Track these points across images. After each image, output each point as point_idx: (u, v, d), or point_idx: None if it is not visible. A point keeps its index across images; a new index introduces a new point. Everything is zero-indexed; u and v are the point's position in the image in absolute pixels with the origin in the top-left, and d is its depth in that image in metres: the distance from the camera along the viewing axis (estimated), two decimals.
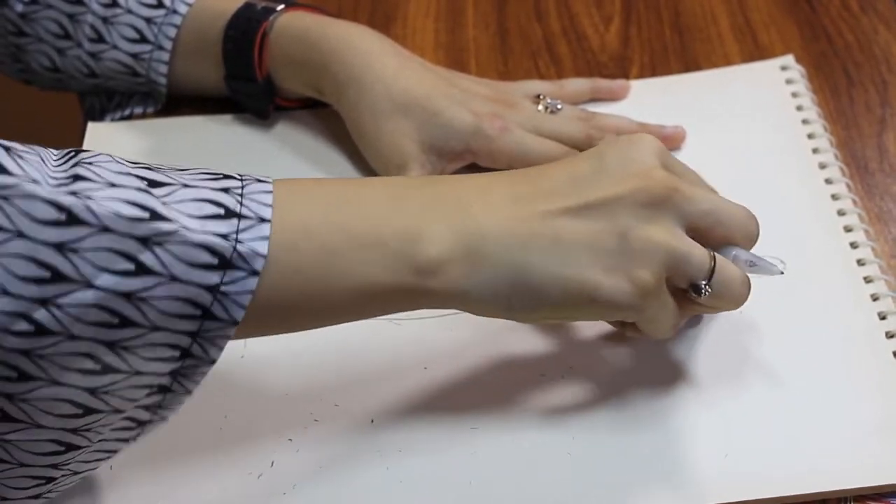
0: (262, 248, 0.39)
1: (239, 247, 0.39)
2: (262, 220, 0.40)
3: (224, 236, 0.39)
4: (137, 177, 0.40)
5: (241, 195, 0.40)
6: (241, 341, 0.51)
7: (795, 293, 0.52)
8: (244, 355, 0.51)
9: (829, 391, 0.49)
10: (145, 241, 0.38)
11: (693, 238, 0.45)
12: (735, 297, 0.46)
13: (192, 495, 0.46)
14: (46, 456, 0.40)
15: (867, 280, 0.53)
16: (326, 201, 0.42)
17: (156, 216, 0.38)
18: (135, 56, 0.61)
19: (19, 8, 0.62)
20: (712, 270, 0.45)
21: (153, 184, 0.40)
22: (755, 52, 0.66)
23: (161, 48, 0.61)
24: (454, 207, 0.43)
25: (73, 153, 0.40)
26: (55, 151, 0.41)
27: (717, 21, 0.68)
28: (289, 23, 0.60)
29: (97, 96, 0.65)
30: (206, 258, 0.39)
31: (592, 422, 0.48)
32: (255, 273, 0.39)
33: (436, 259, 0.42)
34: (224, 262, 0.39)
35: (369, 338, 0.51)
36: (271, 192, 0.41)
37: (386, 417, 0.48)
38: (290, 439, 0.48)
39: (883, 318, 0.51)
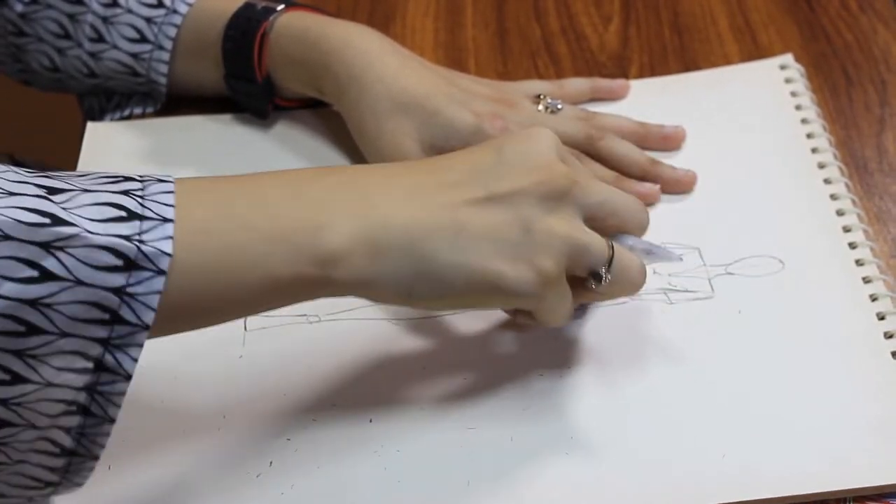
0: (167, 246, 0.39)
1: (143, 247, 0.39)
2: (165, 220, 0.40)
3: (127, 237, 0.39)
4: (36, 185, 0.39)
5: (143, 197, 0.40)
6: (239, 341, 0.52)
7: (794, 293, 0.52)
8: (242, 355, 0.51)
9: (828, 391, 0.48)
10: (47, 247, 0.38)
11: (593, 225, 0.46)
12: (632, 283, 0.47)
13: (191, 495, 0.46)
14: None
15: (866, 280, 0.53)
16: (228, 198, 0.42)
17: (57, 221, 0.38)
18: (135, 56, 0.61)
19: (19, 8, 0.62)
20: (611, 259, 0.46)
21: (52, 191, 0.39)
22: (754, 51, 0.66)
23: (161, 48, 0.61)
24: (356, 197, 0.43)
25: None
26: None
27: (717, 21, 0.68)
28: (289, 22, 0.60)
29: (96, 97, 0.65)
30: (111, 260, 0.38)
31: (591, 423, 0.48)
32: (161, 272, 0.39)
33: (337, 250, 0.42)
34: (129, 263, 0.39)
35: (367, 338, 0.51)
36: (172, 191, 0.41)
37: (384, 417, 0.48)
38: (289, 439, 0.48)
39: (881, 318, 0.51)
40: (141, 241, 0.39)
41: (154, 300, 0.39)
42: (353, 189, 0.44)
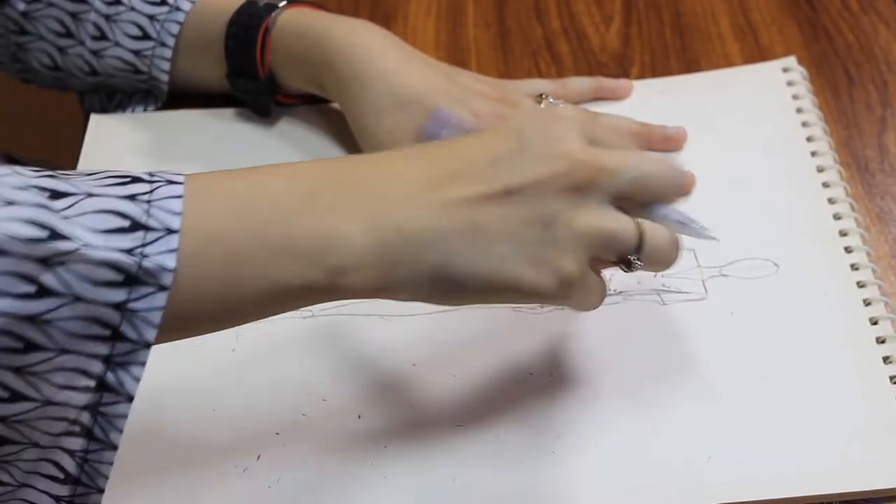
0: (170, 261, 0.38)
1: (145, 262, 0.38)
2: (170, 231, 0.38)
3: (129, 251, 0.37)
4: (39, 188, 0.38)
5: (149, 202, 0.39)
6: (232, 333, 0.52)
7: (787, 296, 0.52)
8: (235, 349, 0.52)
9: (819, 395, 0.48)
10: (45, 262, 0.36)
11: (622, 203, 0.44)
12: (665, 261, 0.45)
13: (178, 488, 0.46)
14: None
15: (860, 285, 0.52)
16: (238, 203, 0.41)
17: (55, 235, 0.37)
18: (137, 53, 0.62)
19: (21, 6, 0.63)
20: (641, 242, 0.44)
21: (55, 195, 0.38)
22: (755, 52, 0.65)
23: (164, 45, 0.62)
24: (368, 200, 0.42)
25: None
26: None
27: (718, 21, 0.68)
28: (291, 19, 0.60)
29: (98, 95, 0.66)
30: (111, 275, 0.37)
31: (578, 421, 0.48)
32: (163, 288, 0.38)
33: (349, 261, 0.41)
34: (130, 279, 0.37)
35: (358, 334, 0.52)
36: (181, 196, 0.39)
37: (373, 413, 0.49)
38: (277, 433, 0.48)
39: (874, 322, 0.51)
40: (143, 255, 0.38)
41: (156, 316, 0.38)
42: (365, 189, 0.42)
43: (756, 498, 0.45)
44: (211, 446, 0.48)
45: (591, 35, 0.68)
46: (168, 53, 0.62)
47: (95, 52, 0.62)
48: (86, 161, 0.62)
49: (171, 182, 0.40)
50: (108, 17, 0.62)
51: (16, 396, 0.38)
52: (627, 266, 0.44)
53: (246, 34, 0.60)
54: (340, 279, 0.41)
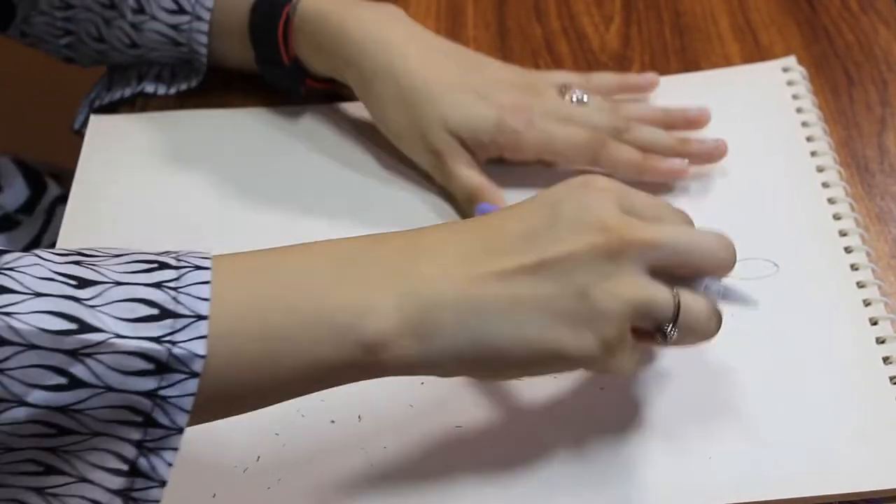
0: (200, 348, 0.38)
1: (175, 350, 0.37)
2: (200, 317, 0.38)
3: (158, 339, 0.37)
4: (65, 276, 0.38)
5: (176, 290, 0.38)
6: None
7: (787, 297, 0.52)
8: None
9: (819, 396, 0.48)
10: (75, 354, 0.37)
11: (661, 274, 0.44)
12: (703, 333, 0.45)
13: (177, 488, 0.46)
14: None
15: (860, 285, 0.52)
16: (268, 279, 0.41)
17: (84, 327, 0.37)
18: (174, 27, 0.62)
19: None
20: (678, 312, 0.43)
21: (82, 283, 0.38)
22: (755, 52, 0.65)
23: (199, 18, 0.62)
24: (401, 273, 0.41)
25: None
26: None
27: (717, 21, 0.68)
28: (310, 7, 0.60)
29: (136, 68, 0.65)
30: (142, 364, 0.37)
31: (577, 421, 0.48)
32: (194, 375, 0.38)
33: (384, 334, 0.40)
34: (160, 367, 0.37)
35: None
36: (209, 281, 0.39)
37: (372, 414, 0.49)
38: (277, 434, 0.48)
39: (874, 323, 0.51)
40: (172, 343, 0.37)
41: (188, 402, 0.38)
42: (398, 262, 0.42)
43: (756, 498, 0.45)
44: (210, 447, 0.48)
45: (590, 35, 0.68)
46: (204, 27, 0.62)
47: (135, 25, 0.62)
48: (86, 160, 0.62)
49: (198, 267, 0.39)
50: None
51: (50, 470, 0.38)
52: (663, 337, 0.44)
53: (268, 24, 0.60)
54: (378, 353, 0.41)
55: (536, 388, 0.49)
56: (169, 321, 0.38)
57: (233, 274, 0.40)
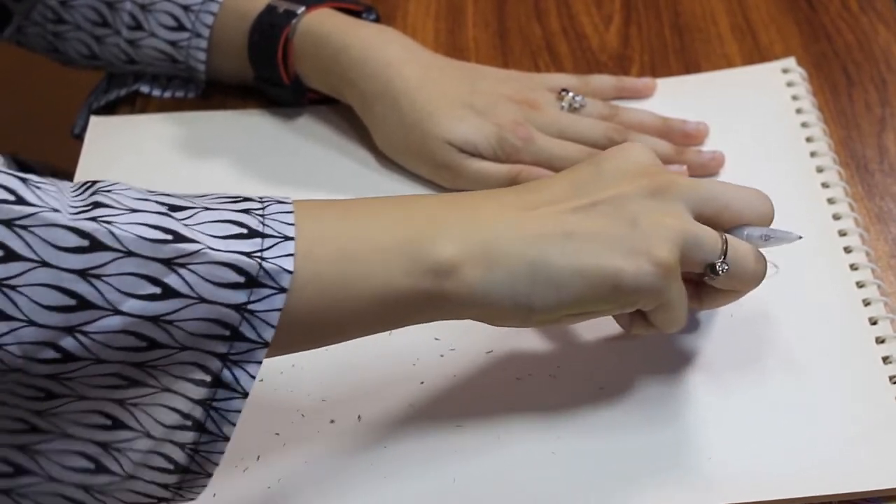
0: (289, 264, 0.40)
1: (265, 264, 0.39)
2: (286, 237, 0.40)
3: (248, 254, 0.39)
4: (157, 202, 0.40)
5: (263, 216, 0.41)
6: None
7: (787, 297, 0.52)
8: None
9: (818, 396, 0.48)
10: (170, 263, 0.38)
11: (705, 222, 0.46)
12: (751, 273, 0.46)
13: None
14: (77, 472, 0.40)
15: (859, 285, 0.52)
16: (343, 214, 0.43)
17: (179, 238, 0.39)
18: (173, 44, 0.62)
19: None
20: (725, 250, 0.45)
21: (173, 208, 0.40)
22: (755, 51, 0.65)
23: (199, 35, 0.62)
24: (464, 212, 0.44)
25: (90, 183, 0.41)
26: (71, 183, 0.41)
27: (717, 21, 0.68)
28: (310, 28, 0.60)
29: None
30: (233, 276, 0.39)
31: (578, 422, 0.48)
32: (282, 290, 0.39)
33: (451, 259, 0.42)
34: (250, 280, 0.39)
35: None
36: (292, 211, 0.41)
37: (372, 414, 0.49)
38: (277, 433, 0.48)
39: (874, 323, 0.51)
40: (262, 259, 0.39)
41: (275, 317, 0.39)
42: (460, 205, 0.45)
43: (756, 498, 0.45)
44: None
45: (590, 35, 0.68)
46: (203, 44, 0.62)
47: (132, 42, 0.63)
48: (86, 161, 0.62)
49: (279, 202, 0.42)
50: (142, 7, 0.62)
51: (134, 384, 0.39)
52: (713, 272, 0.45)
53: (267, 44, 0.61)
54: (444, 282, 0.42)
55: (537, 388, 0.49)
56: (258, 240, 0.40)
57: (311, 209, 0.42)
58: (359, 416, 0.49)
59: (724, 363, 0.50)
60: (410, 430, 0.48)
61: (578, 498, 0.46)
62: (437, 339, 0.51)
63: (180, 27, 0.62)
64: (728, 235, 0.46)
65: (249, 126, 0.64)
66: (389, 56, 0.59)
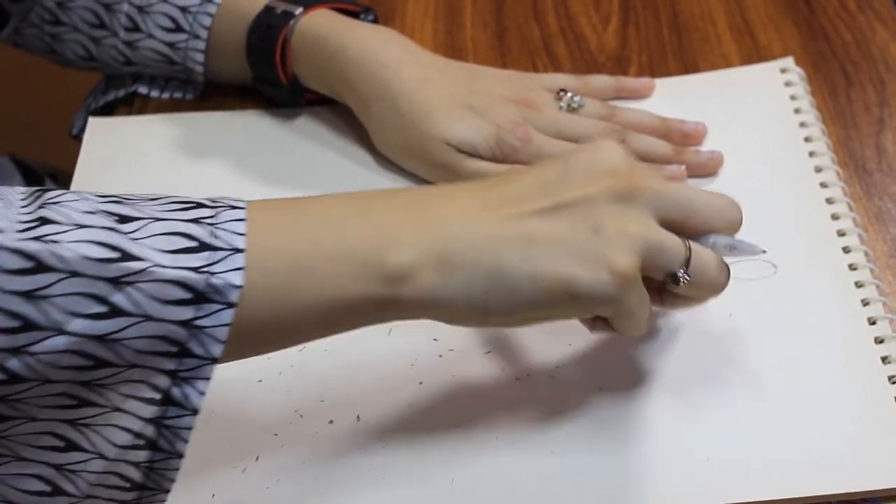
0: (237, 279, 0.39)
1: (212, 279, 0.39)
2: (236, 250, 0.39)
3: (196, 269, 0.38)
4: (106, 213, 0.39)
5: (213, 225, 0.40)
6: None
7: (785, 297, 0.52)
8: None
9: (817, 396, 0.48)
10: (116, 282, 0.38)
11: (669, 230, 0.45)
12: (712, 283, 0.46)
13: (176, 489, 0.46)
14: (33, 496, 0.40)
15: (858, 285, 0.52)
16: (297, 219, 0.42)
17: (126, 256, 0.38)
18: (171, 45, 0.62)
19: None
20: (688, 259, 0.45)
21: (123, 219, 0.39)
22: (753, 52, 0.65)
23: (196, 37, 0.62)
24: (422, 213, 0.43)
25: (39, 193, 0.40)
26: (22, 190, 0.40)
27: (715, 21, 0.68)
28: (307, 29, 0.60)
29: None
30: (180, 293, 0.38)
31: (577, 422, 0.48)
32: (230, 305, 0.39)
33: (405, 266, 0.42)
34: (198, 296, 0.38)
35: (356, 334, 0.51)
36: (244, 219, 0.40)
37: (371, 414, 0.49)
38: (276, 434, 0.48)
39: (873, 323, 0.51)
40: (210, 273, 0.39)
41: (223, 333, 0.39)
42: (418, 207, 0.44)
43: (756, 498, 0.45)
44: (209, 448, 0.48)
45: (588, 36, 0.68)
46: (201, 46, 0.62)
47: (129, 44, 0.63)
48: (84, 162, 0.62)
49: (232, 207, 0.41)
50: (140, 9, 0.62)
51: (83, 403, 0.39)
52: (674, 281, 0.45)
53: (265, 45, 0.61)
54: (398, 288, 0.42)
55: (536, 388, 0.49)
56: (207, 253, 0.39)
57: (263, 214, 0.42)
58: (357, 417, 0.49)
59: (723, 363, 0.50)
60: (409, 431, 0.48)
61: (577, 498, 0.45)
62: (435, 339, 0.51)
63: (178, 28, 0.62)
64: (692, 243, 0.45)
65: (247, 127, 0.64)
66: (387, 56, 0.59)
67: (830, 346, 0.50)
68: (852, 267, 0.53)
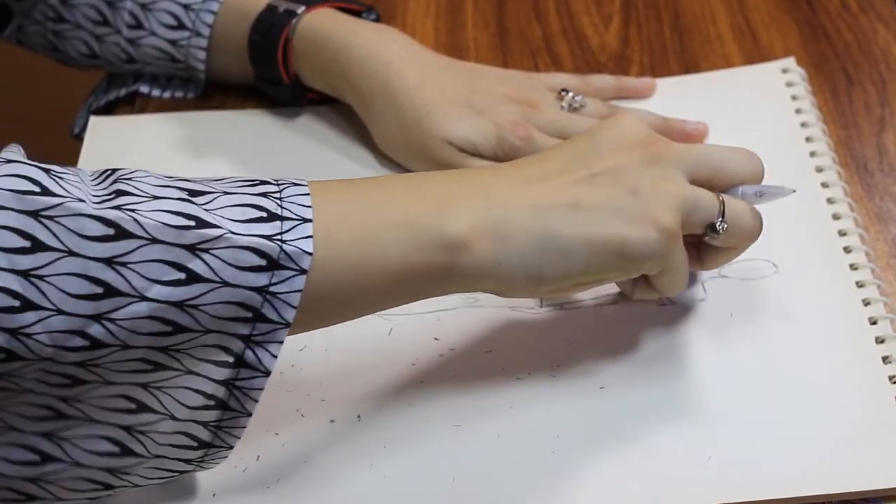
0: (308, 246, 0.41)
1: (285, 246, 0.40)
2: (305, 220, 0.41)
3: (269, 237, 0.40)
4: (177, 188, 0.41)
5: (280, 199, 0.42)
6: None
7: (786, 297, 0.52)
8: None
9: (817, 395, 0.48)
10: (193, 249, 0.39)
11: (700, 185, 0.47)
12: (749, 229, 0.48)
13: (176, 489, 0.46)
14: (102, 456, 0.41)
15: (859, 285, 0.52)
16: (357, 193, 0.44)
17: (201, 223, 0.39)
18: (173, 42, 0.62)
19: None
20: (722, 210, 0.47)
21: (193, 193, 0.41)
22: (755, 52, 0.65)
23: (199, 34, 0.62)
24: (473, 188, 0.45)
25: (109, 172, 0.42)
26: (90, 171, 0.42)
27: (717, 21, 0.68)
28: (309, 28, 0.60)
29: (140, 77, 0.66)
30: (255, 260, 0.40)
31: (578, 422, 0.48)
32: (303, 271, 0.40)
33: (463, 234, 0.44)
34: (272, 263, 0.40)
35: (357, 333, 0.52)
36: (308, 193, 0.42)
37: (372, 413, 0.49)
38: (277, 433, 0.48)
39: (874, 322, 0.51)
40: (283, 241, 0.40)
41: (296, 298, 0.40)
42: (468, 182, 0.46)
43: (756, 498, 0.45)
44: None
45: (590, 35, 0.68)
46: (203, 43, 0.62)
47: (132, 41, 0.63)
48: (85, 161, 0.62)
49: (295, 184, 0.43)
50: (143, 6, 0.62)
51: (159, 367, 0.40)
52: (713, 230, 0.47)
53: (267, 44, 0.61)
54: (457, 256, 0.44)
55: (537, 388, 0.49)
56: (277, 223, 0.41)
57: (326, 189, 0.43)
58: (358, 416, 0.49)
59: (723, 363, 0.50)
60: (410, 430, 0.48)
61: (577, 497, 0.46)
62: (436, 338, 0.51)
63: (180, 26, 0.62)
64: (724, 195, 0.47)
65: (249, 126, 0.64)
66: (389, 55, 0.59)
67: (831, 345, 0.50)
68: (853, 267, 0.53)
